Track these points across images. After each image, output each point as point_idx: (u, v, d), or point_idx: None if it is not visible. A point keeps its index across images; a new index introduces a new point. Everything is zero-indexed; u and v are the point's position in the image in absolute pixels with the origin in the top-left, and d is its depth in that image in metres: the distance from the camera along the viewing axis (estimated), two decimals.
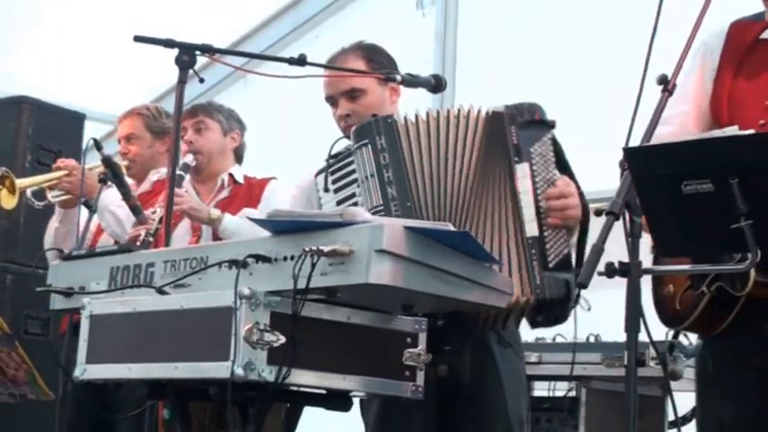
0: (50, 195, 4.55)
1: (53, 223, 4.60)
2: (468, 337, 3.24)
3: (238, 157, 4.49)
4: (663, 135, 2.89)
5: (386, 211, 3.14)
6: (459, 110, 3.20)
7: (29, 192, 4.61)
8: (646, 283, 2.49)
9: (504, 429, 3.24)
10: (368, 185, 3.19)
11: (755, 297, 2.71)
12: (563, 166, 3.15)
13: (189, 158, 4.29)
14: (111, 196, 4.35)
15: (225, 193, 4.35)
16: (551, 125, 3.17)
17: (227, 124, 4.42)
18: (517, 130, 3.14)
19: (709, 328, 2.86)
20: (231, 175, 4.39)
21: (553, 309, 3.02)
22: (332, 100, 3.50)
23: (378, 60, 3.49)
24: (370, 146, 3.20)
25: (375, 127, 3.22)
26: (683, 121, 2.95)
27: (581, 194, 3.11)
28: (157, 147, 4.72)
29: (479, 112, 3.19)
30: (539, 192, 3.08)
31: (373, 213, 3.10)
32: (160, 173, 4.60)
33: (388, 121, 3.22)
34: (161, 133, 4.70)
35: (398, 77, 3.40)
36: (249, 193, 4.32)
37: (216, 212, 4.12)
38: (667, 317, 2.95)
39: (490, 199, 3.11)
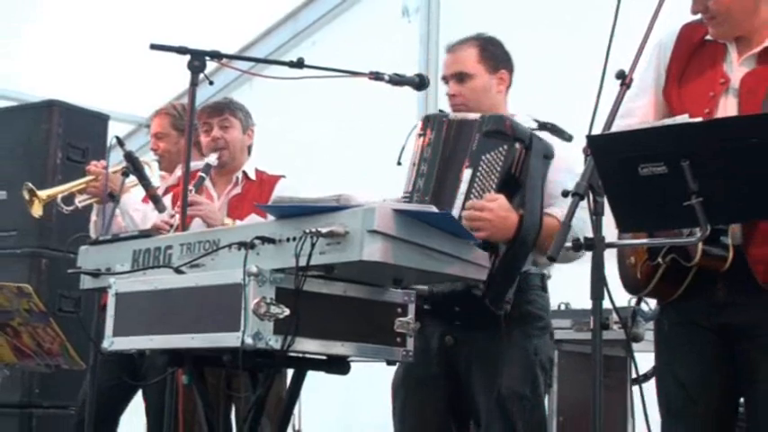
0: (77, 201, 4.54)
1: (93, 217, 4.58)
2: (479, 315, 3.10)
3: (249, 152, 4.44)
4: (627, 126, 2.89)
5: (410, 200, 3.10)
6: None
7: (59, 198, 4.59)
8: (608, 256, 2.49)
9: (497, 399, 3.13)
10: (409, 171, 3.19)
11: (705, 267, 2.71)
12: (508, 181, 3.04)
13: (211, 159, 4.18)
14: (130, 200, 4.33)
15: (238, 189, 4.27)
16: (514, 138, 3.06)
17: (245, 122, 4.34)
18: (480, 137, 3.09)
19: (666, 295, 2.86)
20: (245, 173, 4.31)
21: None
22: (445, 80, 3.38)
23: (490, 50, 3.37)
24: (421, 138, 3.19)
25: (431, 120, 3.20)
26: (644, 113, 2.95)
27: (521, 217, 3.00)
28: (183, 143, 4.66)
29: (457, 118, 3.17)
30: (472, 197, 3.03)
31: (402, 199, 3.08)
32: None
33: (442, 118, 3.19)
34: None
35: (386, 77, 3.36)
36: (260, 189, 4.23)
37: (228, 221, 4.07)
38: (630, 285, 2.95)
39: (447, 199, 3.07)
